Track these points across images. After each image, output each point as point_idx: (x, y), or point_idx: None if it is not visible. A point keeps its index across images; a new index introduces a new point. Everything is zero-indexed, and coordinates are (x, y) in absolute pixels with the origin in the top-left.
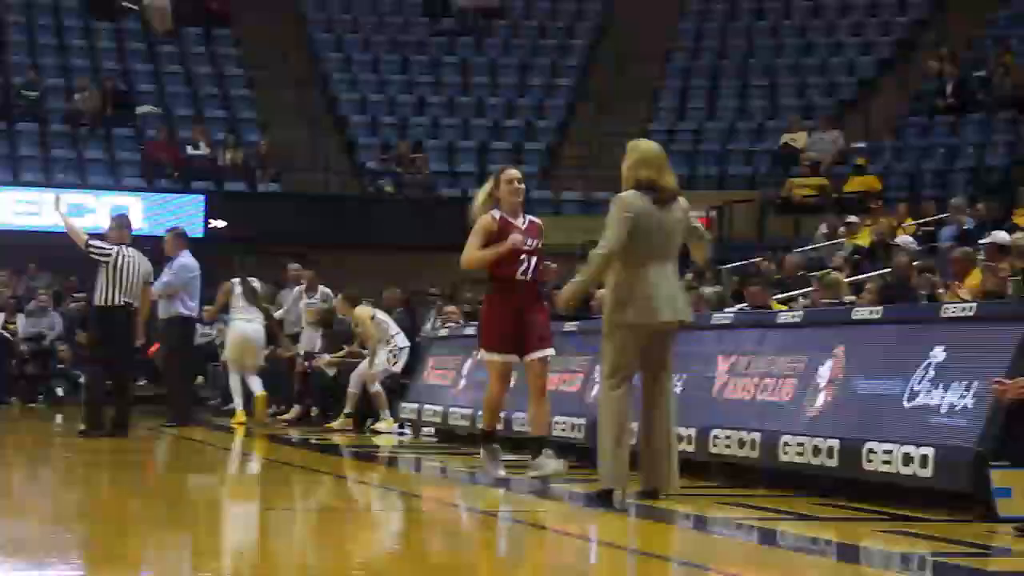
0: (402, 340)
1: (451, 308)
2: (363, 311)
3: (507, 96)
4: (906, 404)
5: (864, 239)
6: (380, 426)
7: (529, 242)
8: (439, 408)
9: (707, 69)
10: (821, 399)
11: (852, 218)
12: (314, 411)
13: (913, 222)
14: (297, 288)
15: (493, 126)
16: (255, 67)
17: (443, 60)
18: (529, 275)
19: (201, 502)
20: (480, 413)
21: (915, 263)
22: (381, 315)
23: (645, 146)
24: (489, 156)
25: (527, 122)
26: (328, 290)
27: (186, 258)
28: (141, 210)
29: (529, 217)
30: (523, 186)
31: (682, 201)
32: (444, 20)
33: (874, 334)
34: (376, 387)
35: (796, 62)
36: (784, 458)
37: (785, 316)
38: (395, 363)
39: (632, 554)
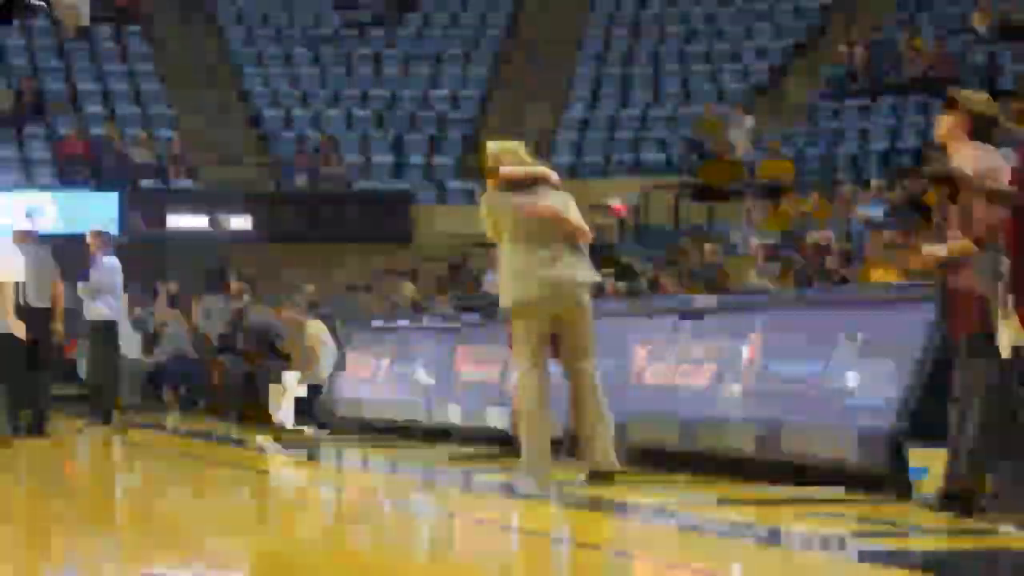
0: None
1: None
2: (314, 328)
3: (421, 87)
4: (823, 386)
5: (779, 224)
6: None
7: None
8: (361, 402)
9: (619, 57)
10: (739, 383)
11: (766, 203)
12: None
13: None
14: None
15: (408, 117)
16: (167, 63)
17: (356, 52)
18: None
19: (127, 500)
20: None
21: (831, 246)
22: (322, 330)
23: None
24: (404, 148)
25: (441, 113)
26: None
27: (111, 258)
28: (55, 209)
29: None
30: None
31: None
32: (356, 12)
33: (790, 317)
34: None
35: (708, 48)
36: (703, 443)
37: (702, 302)
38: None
39: (555, 542)
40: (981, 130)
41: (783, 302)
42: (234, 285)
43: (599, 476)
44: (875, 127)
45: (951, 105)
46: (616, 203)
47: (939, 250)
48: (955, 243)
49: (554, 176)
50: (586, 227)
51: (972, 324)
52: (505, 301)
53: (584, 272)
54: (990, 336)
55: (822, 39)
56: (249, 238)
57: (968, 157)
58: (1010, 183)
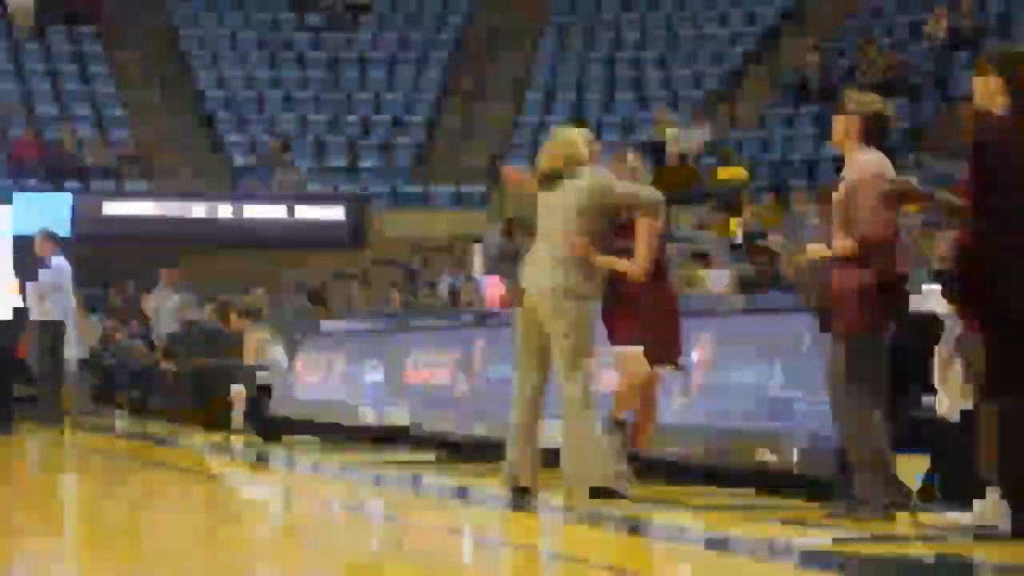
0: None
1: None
2: (259, 332)
3: (376, 90)
4: (772, 393)
5: (732, 230)
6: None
7: None
8: (311, 405)
9: (575, 62)
10: (688, 388)
11: (720, 209)
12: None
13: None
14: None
15: (362, 121)
16: (121, 64)
17: (311, 56)
18: None
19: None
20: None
21: (783, 251)
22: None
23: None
24: (359, 151)
25: (396, 117)
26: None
27: (60, 259)
28: (9, 210)
29: None
30: None
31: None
32: (311, 15)
33: (740, 323)
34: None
35: (663, 54)
36: (652, 448)
37: None
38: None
39: (503, 547)
40: (873, 131)
41: (734, 307)
42: (165, 272)
43: (598, 493)
44: (829, 133)
45: (842, 108)
46: None
47: (823, 250)
48: (841, 243)
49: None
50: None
51: (856, 323)
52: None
53: (559, 278)
54: (875, 335)
55: (778, 45)
56: (203, 240)
57: (859, 163)
58: (961, 195)
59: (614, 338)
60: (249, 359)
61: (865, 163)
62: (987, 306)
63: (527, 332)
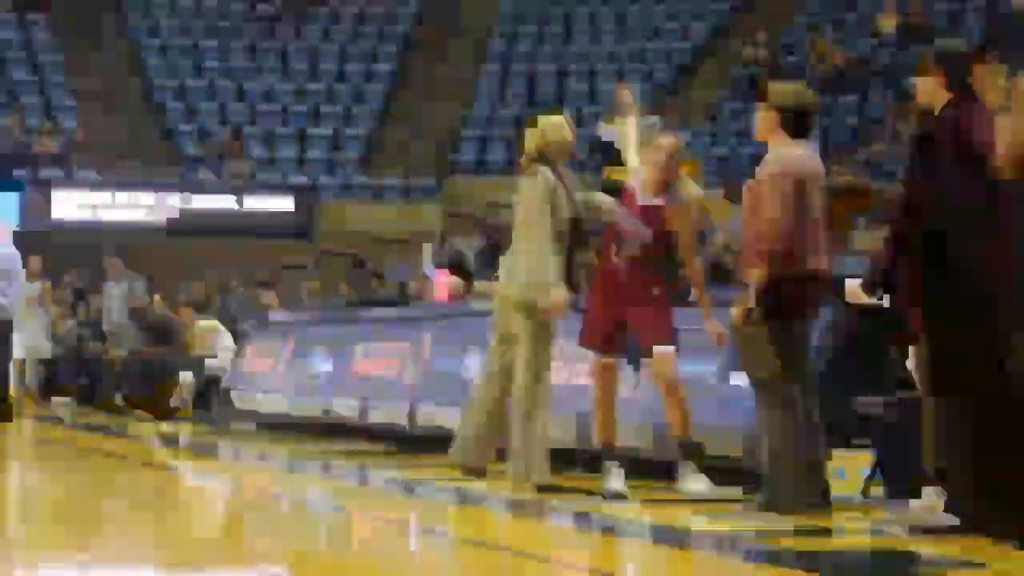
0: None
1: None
2: (206, 324)
3: (327, 82)
4: (716, 385)
5: None
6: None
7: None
8: (259, 396)
9: (526, 55)
10: (630, 381)
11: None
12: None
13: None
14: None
15: (313, 112)
16: (71, 53)
17: (262, 46)
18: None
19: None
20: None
21: (731, 246)
22: (214, 326)
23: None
24: (308, 142)
25: (347, 108)
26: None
27: (8, 248)
28: None
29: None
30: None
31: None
32: (263, 5)
33: (685, 316)
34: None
35: (614, 48)
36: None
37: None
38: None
39: (441, 537)
40: (794, 123)
41: (680, 301)
42: (110, 261)
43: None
44: None
45: (763, 99)
46: None
47: (743, 305)
48: (743, 298)
49: None
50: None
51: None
52: None
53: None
54: (783, 331)
55: (728, 40)
56: (152, 230)
57: (769, 159)
58: (896, 207)
59: (647, 337)
60: (197, 349)
61: (776, 159)
62: (925, 300)
63: (502, 317)
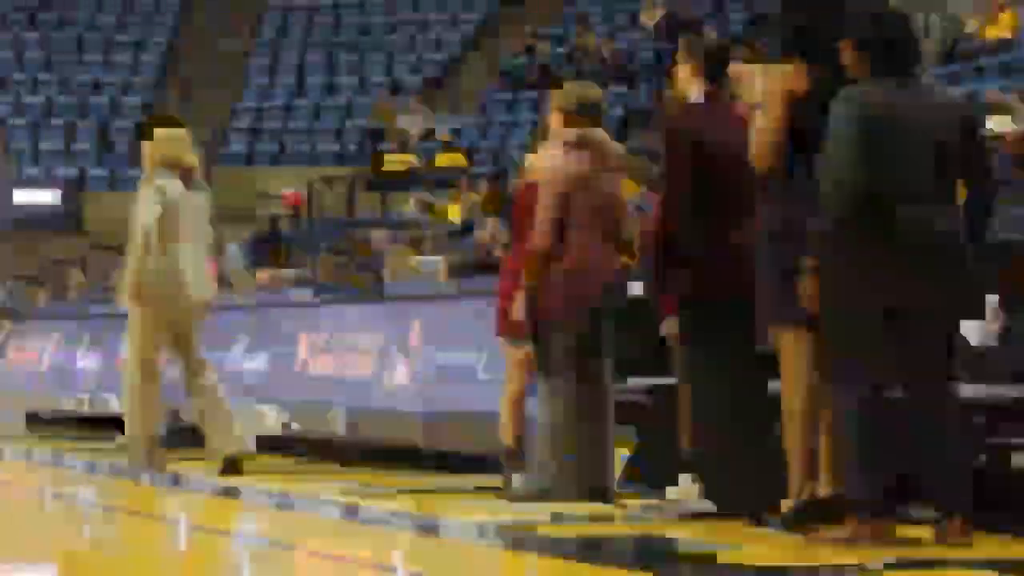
0: None
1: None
2: None
3: (93, 73)
4: (485, 376)
5: (452, 215)
6: None
7: None
8: (24, 392)
9: (295, 45)
10: (404, 373)
11: (439, 194)
12: None
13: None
14: None
15: (79, 104)
16: None
17: (24, 36)
18: None
19: None
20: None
21: (499, 236)
22: None
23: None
24: (75, 134)
25: (113, 99)
26: None
27: None
28: None
29: None
30: None
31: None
32: None
33: (452, 308)
34: None
35: (383, 38)
36: (367, 432)
37: (367, 292)
38: None
39: (203, 532)
40: (579, 121)
41: (446, 293)
42: None
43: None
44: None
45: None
46: (290, 192)
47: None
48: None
49: None
50: None
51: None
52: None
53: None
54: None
55: (497, 31)
56: None
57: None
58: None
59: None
60: None
61: (547, 159)
62: (680, 289)
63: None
